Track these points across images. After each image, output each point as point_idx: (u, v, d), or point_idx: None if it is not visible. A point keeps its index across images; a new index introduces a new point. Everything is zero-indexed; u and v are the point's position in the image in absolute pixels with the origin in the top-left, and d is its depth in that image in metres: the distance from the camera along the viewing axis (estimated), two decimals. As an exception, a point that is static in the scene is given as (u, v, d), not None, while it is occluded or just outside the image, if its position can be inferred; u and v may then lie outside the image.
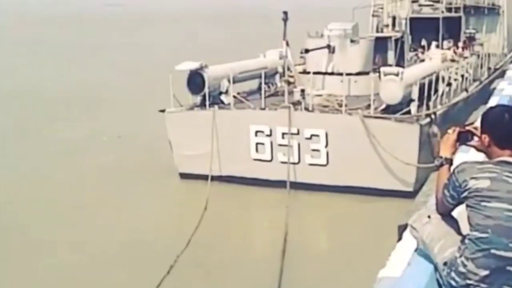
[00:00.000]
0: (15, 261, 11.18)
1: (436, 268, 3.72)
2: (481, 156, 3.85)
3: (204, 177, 14.82)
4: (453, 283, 3.53)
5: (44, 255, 11.43)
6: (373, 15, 26.83)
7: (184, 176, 15.65)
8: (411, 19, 22.28)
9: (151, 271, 10.52)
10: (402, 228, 4.64)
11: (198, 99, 15.81)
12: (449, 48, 21.38)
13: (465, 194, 3.50)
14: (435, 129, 14.07)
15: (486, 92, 18.41)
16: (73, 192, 14.92)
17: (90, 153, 18.27)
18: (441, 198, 3.73)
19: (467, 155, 4.92)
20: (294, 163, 14.58)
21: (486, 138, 3.63)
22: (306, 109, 14.84)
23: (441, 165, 3.88)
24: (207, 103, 15.38)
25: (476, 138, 3.80)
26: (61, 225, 12.91)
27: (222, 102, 15.82)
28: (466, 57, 20.70)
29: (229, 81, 15.74)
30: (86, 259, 11.24)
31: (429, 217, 3.91)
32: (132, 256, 11.34)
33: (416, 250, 3.97)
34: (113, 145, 19.11)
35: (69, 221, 13.13)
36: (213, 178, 14.79)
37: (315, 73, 16.31)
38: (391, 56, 19.05)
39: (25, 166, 16.99)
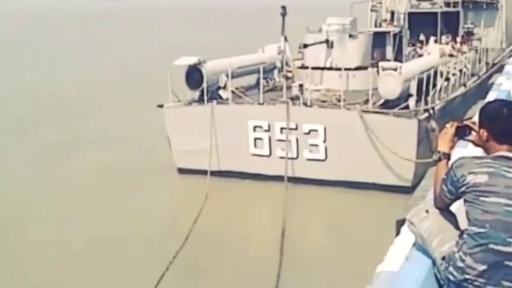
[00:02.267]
0: (12, 260, 11.16)
1: (434, 263, 3.71)
2: (479, 151, 3.85)
3: (202, 172, 14.82)
4: (451, 277, 3.53)
5: (45, 252, 11.43)
6: (371, 10, 26.84)
7: (182, 171, 15.66)
8: (410, 14, 22.24)
9: (151, 267, 10.53)
10: (400, 223, 4.64)
11: (196, 94, 15.81)
12: (447, 43, 21.34)
13: (463, 189, 3.50)
14: (433, 124, 14.07)
15: (484, 87, 18.42)
16: (73, 189, 14.89)
17: (88, 150, 18.23)
18: (439, 193, 3.73)
19: (465, 150, 4.91)
20: (292, 158, 14.59)
21: (484, 133, 3.63)
22: (305, 104, 14.84)
23: (439, 159, 3.88)
24: (205, 98, 15.37)
25: (474, 133, 3.79)
26: (60, 223, 12.89)
27: (221, 97, 15.81)
28: (464, 52, 20.69)
29: (227, 76, 15.73)
30: (85, 256, 11.24)
31: (427, 211, 3.90)
32: (131, 253, 11.33)
33: (414, 244, 3.96)
34: (111, 142, 19.06)
35: (69, 218, 13.12)
36: (212, 173, 14.80)
37: (313, 68, 16.29)
38: (389, 51, 19.06)
39: (21, 166, 16.91)
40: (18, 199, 14.30)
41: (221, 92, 15.94)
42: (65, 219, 13.01)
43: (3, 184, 15.33)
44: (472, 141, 3.83)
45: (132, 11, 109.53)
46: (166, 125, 15.71)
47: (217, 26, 72.27)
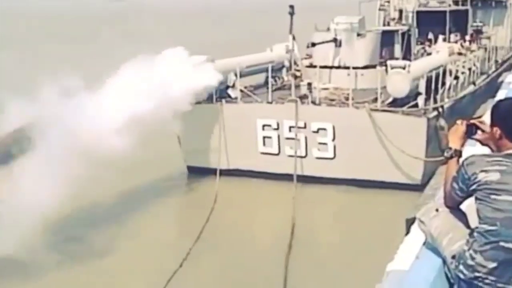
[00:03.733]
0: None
1: (444, 262, 3.71)
2: (485, 150, 3.83)
3: (212, 171, 14.86)
4: (461, 276, 3.53)
5: (60, 251, 11.43)
6: (379, 9, 26.70)
7: (192, 169, 15.70)
8: (418, 12, 22.21)
9: (164, 265, 10.66)
10: (410, 222, 4.64)
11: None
12: (456, 41, 21.24)
13: (474, 187, 3.49)
14: (442, 122, 14.04)
15: (493, 86, 18.34)
16: (81, 188, 14.80)
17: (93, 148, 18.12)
18: (450, 191, 3.72)
19: (474, 148, 4.90)
20: (301, 157, 14.60)
21: (497, 131, 3.61)
22: (313, 102, 14.86)
23: (451, 157, 3.85)
24: (214, 97, 15.40)
25: (480, 132, 3.79)
26: (71, 221, 12.91)
27: (229, 96, 15.83)
28: (473, 50, 20.58)
29: (236, 75, 15.75)
30: (92, 257, 11.31)
31: (437, 210, 3.89)
32: (144, 252, 11.44)
33: (424, 243, 3.95)
34: (118, 139, 18.96)
35: (78, 217, 13.14)
36: (221, 172, 14.83)
37: (321, 66, 16.30)
38: (397, 49, 19.03)
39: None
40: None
41: (229, 91, 15.96)
42: (72, 219, 13.01)
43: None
44: (479, 140, 3.82)
45: (141, 11, 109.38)
46: (175, 124, 15.72)
47: (226, 25, 72.13)
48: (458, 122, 3.92)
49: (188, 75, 14.35)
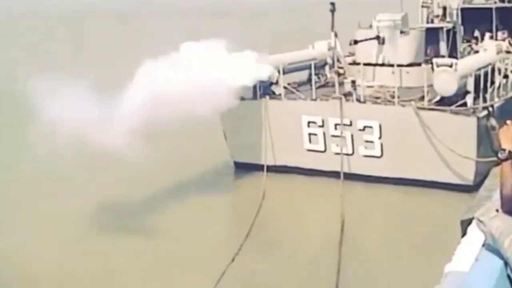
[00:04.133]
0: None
1: (506, 263, 3.63)
2: None
3: (258, 167, 14.91)
4: (525, 277, 3.44)
5: (122, 241, 11.81)
6: (422, 6, 26.29)
7: (239, 165, 15.79)
8: (463, 10, 21.81)
9: (216, 259, 10.85)
10: (466, 223, 4.54)
11: (250, 89, 15.83)
12: (503, 39, 20.75)
13: None
14: (493, 122, 13.75)
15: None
16: (135, 188, 14.91)
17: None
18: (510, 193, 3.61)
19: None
20: (347, 154, 14.53)
21: None
22: (358, 100, 14.76)
23: (506, 159, 3.73)
24: (258, 93, 15.42)
25: None
26: (129, 215, 13.10)
27: (273, 93, 15.83)
28: (522, 49, 20.10)
29: (279, 71, 15.72)
30: (139, 253, 11.47)
31: (497, 211, 3.80)
32: (196, 246, 11.59)
33: (483, 245, 3.87)
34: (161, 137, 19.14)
35: (133, 213, 13.33)
36: (268, 168, 14.88)
37: (365, 64, 16.16)
38: (443, 47, 18.70)
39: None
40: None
41: (273, 87, 15.95)
42: (130, 213, 13.20)
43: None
44: None
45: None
46: (221, 121, 15.81)
47: (263, 22, 71.95)
48: (508, 122, 3.83)
49: (242, 67, 14.33)
